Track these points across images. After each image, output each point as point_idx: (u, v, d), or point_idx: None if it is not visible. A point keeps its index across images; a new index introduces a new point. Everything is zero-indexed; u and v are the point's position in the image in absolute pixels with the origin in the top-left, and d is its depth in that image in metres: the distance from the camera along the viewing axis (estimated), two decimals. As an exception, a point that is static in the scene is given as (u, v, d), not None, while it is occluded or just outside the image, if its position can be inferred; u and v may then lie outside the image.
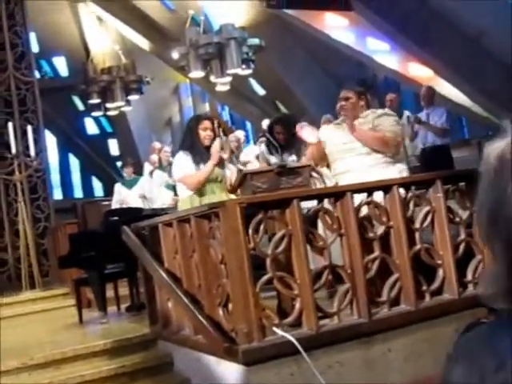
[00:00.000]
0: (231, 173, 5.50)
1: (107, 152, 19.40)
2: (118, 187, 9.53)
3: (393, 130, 5.01)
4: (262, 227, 4.01)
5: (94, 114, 14.80)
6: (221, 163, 5.42)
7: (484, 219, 0.95)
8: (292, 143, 6.43)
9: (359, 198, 4.38)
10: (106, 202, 11.26)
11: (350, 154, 4.98)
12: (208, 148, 5.40)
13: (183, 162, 5.42)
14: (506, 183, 0.91)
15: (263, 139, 8.76)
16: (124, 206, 8.86)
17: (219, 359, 4.08)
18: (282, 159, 5.86)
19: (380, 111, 5.21)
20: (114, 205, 9.21)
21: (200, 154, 5.38)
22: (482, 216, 0.95)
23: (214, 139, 5.43)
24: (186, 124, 6.10)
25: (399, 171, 4.91)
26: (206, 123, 5.45)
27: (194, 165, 5.36)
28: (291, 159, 6.17)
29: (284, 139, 6.48)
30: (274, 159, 6.24)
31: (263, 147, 6.57)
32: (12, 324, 7.00)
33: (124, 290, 7.13)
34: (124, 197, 9.15)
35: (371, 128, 5.03)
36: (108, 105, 13.56)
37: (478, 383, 0.89)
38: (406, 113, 8.56)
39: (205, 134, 5.39)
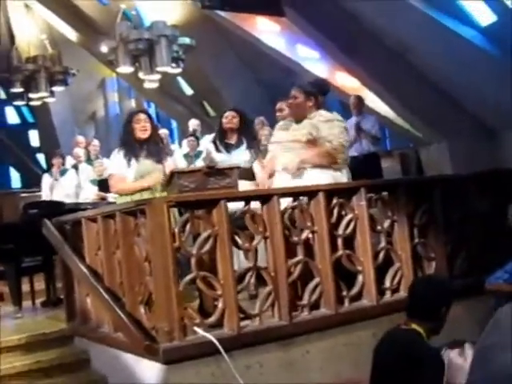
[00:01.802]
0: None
1: (27, 143, 18.92)
2: (46, 178, 9.34)
3: (341, 140, 4.91)
4: (188, 226, 4.01)
5: (16, 103, 14.39)
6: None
7: None
8: (243, 135, 5.95)
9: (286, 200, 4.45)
10: (24, 194, 11.00)
11: (290, 152, 4.94)
12: (143, 141, 5.38)
13: (114, 160, 5.46)
14: None
15: (192, 138, 8.70)
16: (50, 197, 8.70)
17: (139, 357, 4.05)
18: (230, 157, 5.67)
19: (329, 115, 5.03)
20: (45, 196, 9.04)
21: (133, 148, 5.37)
22: None
23: (149, 131, 5.40)
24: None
25: (334, 178, 4.87)
26: (140, 115, 5.47)
27: (126, 161, 5.33)
28: (241, 157, 5.76)
29: (233, 126, 5.93)
30: (221, 157, 5.79)
31: (209, 145, 6.18)
32: None
33: (40, 284, 6.97)
34: (51, 188, 8.99)
35: (313, 134, 4.92)
36: (31, 95, 13.21)
37: None
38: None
39: (138, 126, 5.38)
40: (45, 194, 9.16)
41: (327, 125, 4.93)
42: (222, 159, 5.66)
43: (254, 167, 5.73)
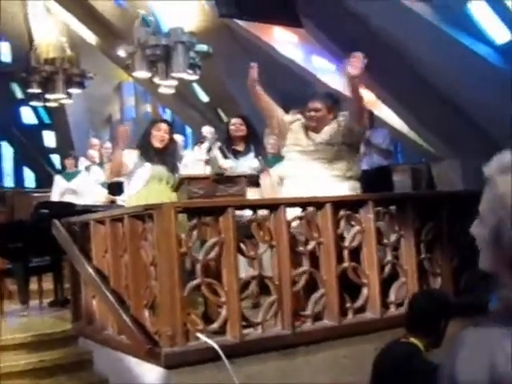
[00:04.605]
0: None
1: (42, 143, 19.03)
2: (58, 179, 9.36)
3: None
4: (195, 232, 4.04)
5: (33, 103, 14.49)
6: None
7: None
8: (251, 143, 6.04)
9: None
10: (37, 194, 11.06)
11: (311, 157, 4.91)
12: (158, 150, 5.49)
13: (126, 153, 5.50)
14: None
15: (205, 145, 8.72)
16: (63, 198, 8.70)
17: (141, 361, 4.08)
18: (238, 164, 5.74)
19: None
20: (54, 196, 9.03)
21: (147, 152, 5.48)
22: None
23: (166, 142, 5.51)
24: None
25: (351, 188, 4.90)
26: (162, 125, 5.61)
27: (138, 160, 5.43)
28: (249, 164, 5.87)
29: (241, 134, 6.02)
30: (229, 163, 5.87)
31: (216, 151, 6.25)
32: None
33: (48, 284, 7.03)
34: (62, 189, 8.99)
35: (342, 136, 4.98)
36: (48, 96, 13.31)
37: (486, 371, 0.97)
38: None
39: (158, 133, 5.51)
40: (54, 195, 9.16)
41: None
42: (230, 165, 5.74)
43: (261, 177, 5.76)
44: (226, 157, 5.97)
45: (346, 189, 4.90)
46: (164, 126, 5.58)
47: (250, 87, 5.11)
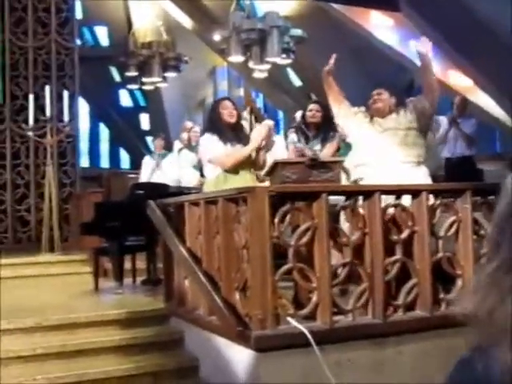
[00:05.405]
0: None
1: (138, 125, 19.49)
2: (147, 160, 9.56)
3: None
4: (287, 217, 4.03)
5: (130, 86, 14.87)
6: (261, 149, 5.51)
7: None
8: (322, 129, 6.11)
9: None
10: (132, 175, 11.33)
11: (379, 143, 5.02)
12: (231, 126, 5.50)
13: (211, 143, 5.49)
14: None
15: (292, 129, 8.72)
16: (151, 179, 8.87)
17: (230, 342, 4.12)
18: (310, 148, 5.78)
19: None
20: (143, 177, 9.23)
21: (224, 133, 5.48)
22: None
23: (236, 117, 5.54)
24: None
25: (424, 174, 4.97)
26: (226, 103, 5.61)
27: (222, 144, 5.44)
28: (317, 148, 5.95)
29: (316, 121, 6.09)
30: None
31: (292, 135, 6.32)
32: (29, 284, 7.11)
33: (142, 263, 7.19)
34: (151, 170, 9.16)
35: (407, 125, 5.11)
36: (144, 79, 13.61)
37: None
38: (441, 118, 8.49)
39: (226, 111, 5.51)
40: (144, 176, 9.34)
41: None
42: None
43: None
44: (299, 140, 6.07)
45: (422, 175, 4.98)
46: (229, 103, 5.59)
47: (325, 75, 5.33)
